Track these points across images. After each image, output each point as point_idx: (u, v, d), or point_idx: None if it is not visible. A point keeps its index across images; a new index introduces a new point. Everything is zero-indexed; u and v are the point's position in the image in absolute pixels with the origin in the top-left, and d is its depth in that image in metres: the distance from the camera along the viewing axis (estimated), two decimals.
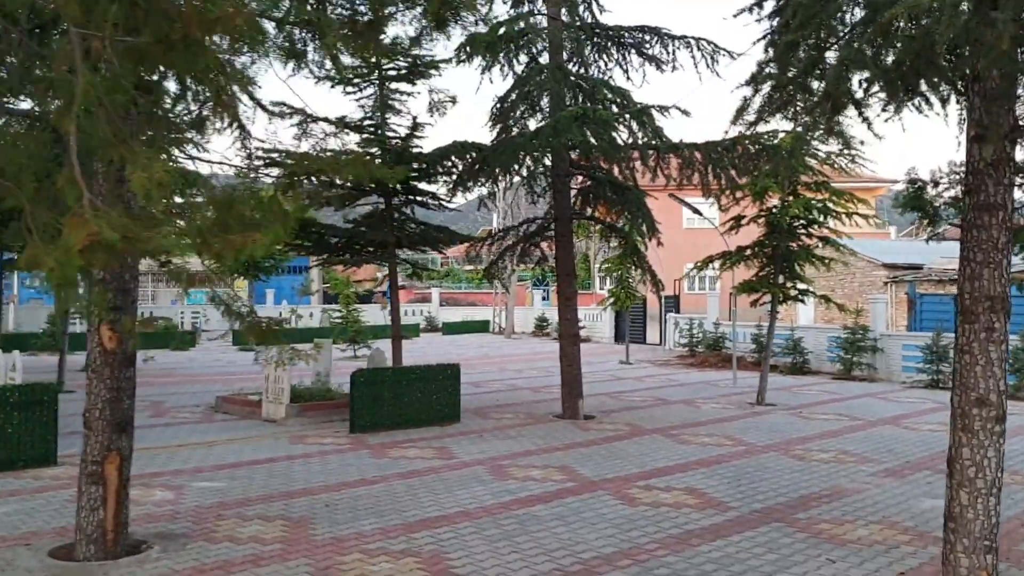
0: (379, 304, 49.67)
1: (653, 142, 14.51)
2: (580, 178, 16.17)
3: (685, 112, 13.61)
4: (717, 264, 17.60)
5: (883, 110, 9.10)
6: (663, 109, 13.39)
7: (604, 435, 13.14)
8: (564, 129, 12.43)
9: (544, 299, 53.69)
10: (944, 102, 8.79)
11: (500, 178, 13.58)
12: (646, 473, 10.34)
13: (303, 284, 51.23)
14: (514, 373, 23.60)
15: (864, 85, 8.78)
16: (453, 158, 14.07)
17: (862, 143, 16.56)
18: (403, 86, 15.14)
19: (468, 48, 14.80)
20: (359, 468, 10.53)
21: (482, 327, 47.06)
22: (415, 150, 14.64)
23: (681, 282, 34.19)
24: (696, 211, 21.04)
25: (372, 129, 14.88)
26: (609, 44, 15.56)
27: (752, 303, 17.69)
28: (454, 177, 14.88)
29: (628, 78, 16.05)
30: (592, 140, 12.73)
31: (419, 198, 15.47)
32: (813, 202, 16.52)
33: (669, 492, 9.36)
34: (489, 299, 50.13)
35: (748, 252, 17.20)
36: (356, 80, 14.79)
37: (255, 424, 14.16)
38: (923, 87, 8.74)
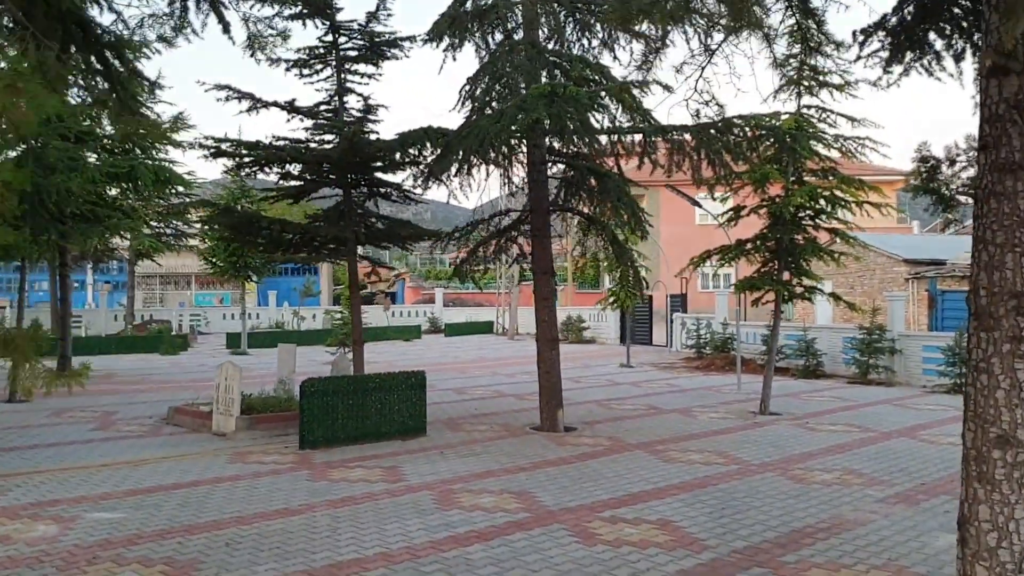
0: (382, 306, 48.50)
1: (639, 124, 13.16)
2: (564, 168, 14.76)
3: (667, 88, 12.15)
4: (715, 260, 16.13)
5: (885, 72, 7.69)
6: (641, 85, 11.96)
7: (580, 451, 11.73)
8: (531, 108, 11.04)
9: None
10: (958, 58, 7.35)
11: (465, 167, 12.18)
12: (615, 501, 8.93)
13: (304, 285, 50.06)
14: (505, 378, 22.21)
15: (861, 39, 7.37)
16: (416, 146, 12.69)
17: (875, 125, 15.30)
18: (365, 67, 13.79)
19: (437, 26, 13.50)
20: (288, 494, 9.19)
21: (486, 328, 45.74)
22: (372, 136, 13.28)
23: (688, 280, 32.67)
24: (695, 202, 19.56)
25: (329, 114, 13.52)
26: (592, 20, 14.17)
27: (754, 302, 16.20)
28: (422, 168, 13.55)
29: (615, 58, 14.72)
30: (566, 121, 11.30)
31: (382, 190, 14.10)
32: (819, 190, 15.01)
33: (637, 526, 7.94)
34: (495, 300, 48.75)
35: (749, 246, 15.73)
36: (311, 61, 13.45)
37: (202, 439, 12.88)
38: (932, 39, 7.33)
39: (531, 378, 21.92)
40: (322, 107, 13.56)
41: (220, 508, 8.60)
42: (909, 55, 7.53)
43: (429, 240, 14.47)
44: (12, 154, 17.04)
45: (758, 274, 15.78)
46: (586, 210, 14.04)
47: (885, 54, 7.52)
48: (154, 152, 22.70)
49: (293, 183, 13.71)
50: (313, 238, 13.74)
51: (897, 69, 7.62)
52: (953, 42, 7.43)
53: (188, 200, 23.68)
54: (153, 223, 32.66)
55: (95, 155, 20.69)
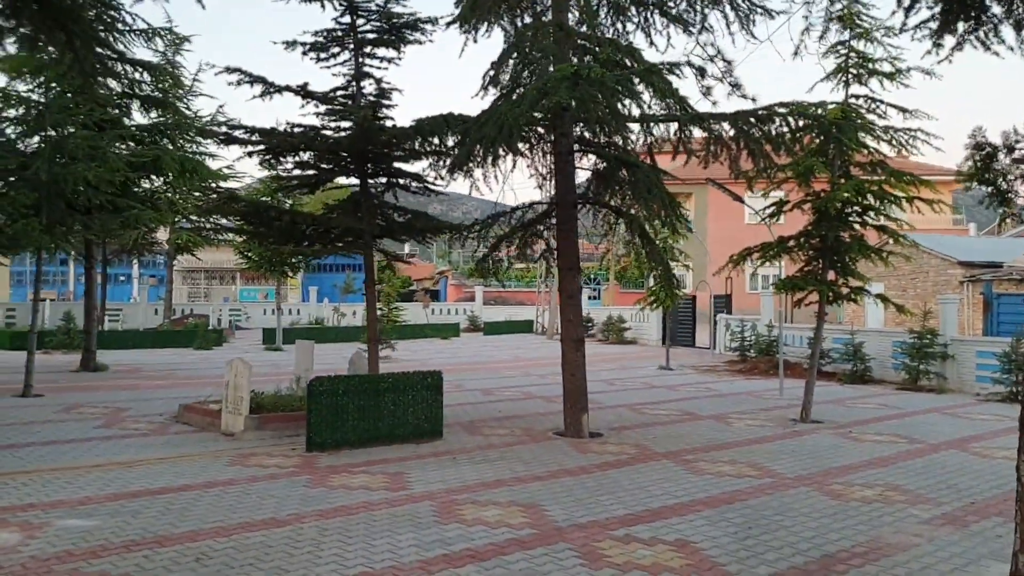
0: (421, 303, 47.99)
1: (673, 112, 12.36)
2: (596, 160, 13.97)
3: (700, 71, 11.36)
4: (756, 258, 15.21)
5: (935, 45, 6.81)
6: (673, 67, 11.14)
7: (602, 460, 10.94)
8: (552, 91, 10.27)
9: (593, 298, 51.43)
10: (1020, 26, 6.45)
11: (488, 157, 11.46)
12: (632, 517, 8.14)
13: (345, 281, 49.75)
14: (537, 379, 21.46)
15: (907, 3, 6.51)
16: (434, 134, 11.98)
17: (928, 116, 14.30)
18: (384, 51, 13.12)
19: (463, 7, 12.81)
20: (279, 502, 8.54)
21: (525, 327, 45.01)
22: (388, 122, 12.60)
23: (732, 280, 31.64)
24: (737, 198, 18.65)
25: (344, 100, 12.86)
26: (627, 2, 13.37)
27: (796, 303, 15.25)
28: (445, 158, 12.87)
29: (651, 43, 13.86)
30: (590, 106, 10.52)
31: (401, 181, 13.42)
32: (867, 185, 14.02)
33: (651, 547, 7.15)
34: (535, 298, 47.97)
35: (791, 243, 14.79)
36: (328, 45, 12.81)
37: (208, 439, 12.32)
38: (989, 4, 6.46)
39: None
40: (339, 93, 12.91)
41: (203, 517, 7.97)
42: (962, 25, 6.67)
43: (449, 234, 13.72)
44: (32, 141, 16.72)
45: (801, 273, 14.84)
46: (616, 203, 13.20)
47: (934, 24, 6.66)
48: (182, 142, 22.36)
49: (310, 172, 13.05)
50: (327, 230, 13.08)
51: (948, 42, 6.75)
52: (1015, 7, 6.55)
53: (215, 194, 23.24)
54: (192, 217, 32.42)
55: (120, 144, 20.35)
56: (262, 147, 12.44)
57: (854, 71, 14.26)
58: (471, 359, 28.41)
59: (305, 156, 12.83)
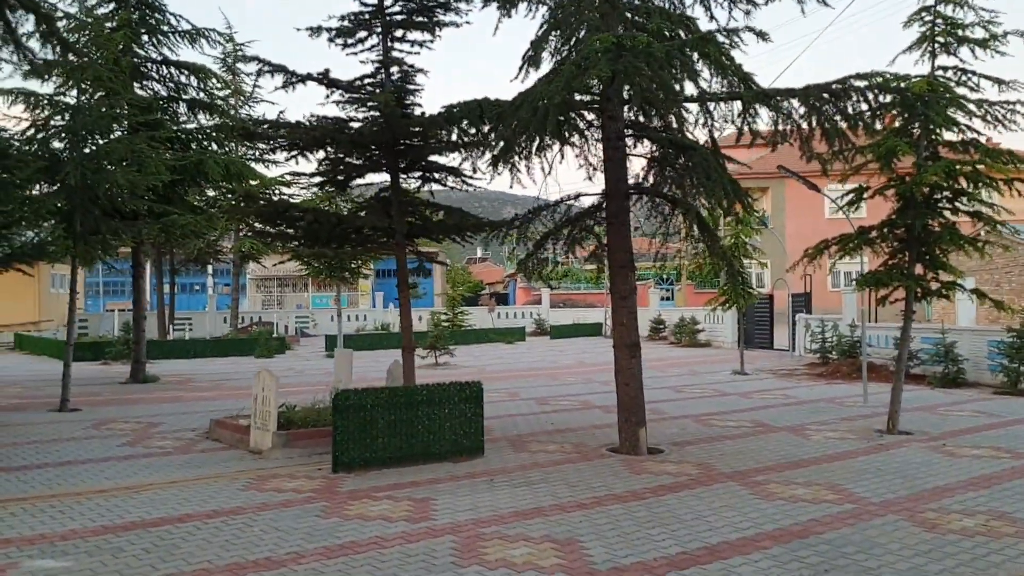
0: (487, 307, 47.00)
1: (735, 90, 11.04)
2: (652, 147, 12.69)
3: (761, 35, 10.02)
4: (834, 251, 13.74)
5: None
6: (731, 34, 9.84)
7: (658, 482, 9.67)
8: (592, 64, 9.07)
9: (666, 299, 49.86)
10: None
11: (529, 145, 10.33)
12: (686, 556, 6.89)
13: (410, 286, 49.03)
14: (599, 386, 20.15)
15: None
16: (467, 122, 10.88)
17: None
18: (415, 34, 12.07)
19: None
20: (283, 537, 7.51)
21: (593, 330, 43.66)
22: (417, 110, 11.53)
23: (811, 277, 29.90)
24: (812, 186, 17.21)
25: (371, 88, 11.83)
26: None
27: (880, 300, 13.71)
28: (483, 149, 11.77)
29: (712, 17, 12.53)
30: (635, 79, 9.28)
31: (436, 175, 12.34)
32: (958, 166, 12.45)
33: None
34: (604, 300, 46.56)
35: (873, 234, 13.29)
36: (355, 29, 11.79)
37: (233, 457, 11.42)
38: None
39: None
40: (366, 80, 11.87)
41: (190, 555, 6.97)
42: None
43: (488, 232, 12.55)
44: (58, 144, 16.14)
45: (885, 267, 13.33)
46: (674, 193, 11.89)
47: None
48: (232, 147, 21.76)
49: (337, 168, 12.07)
50: (353, 229, 12.05)
51: None
52: None
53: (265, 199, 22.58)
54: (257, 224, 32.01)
55: (161, 148, 19.81)
56: (284, 142, 11.51)
57: (941, 40, 12.72)
58: (532, 365, 27.26)
59: (332, 151, 11.83)
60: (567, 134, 11.48)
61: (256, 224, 12.85)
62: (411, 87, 11.78)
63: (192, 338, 37.60)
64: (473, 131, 11.43)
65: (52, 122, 16.76)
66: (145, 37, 20.82)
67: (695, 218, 10.64)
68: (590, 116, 12.41)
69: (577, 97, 11.98)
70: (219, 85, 21.25)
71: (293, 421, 11.96)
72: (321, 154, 12.24)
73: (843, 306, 27.80)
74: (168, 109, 21.29)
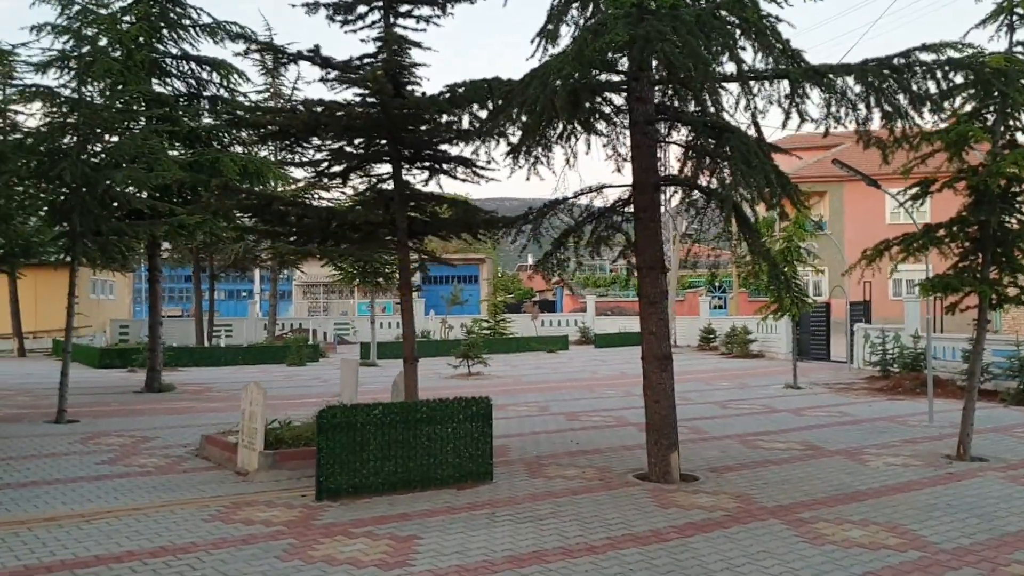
0: (530, 314, 45.67)
1: (780, 67, 9.66)
2: (689, 134, 11.27)
3: None
4: (896, 252, 12.18)
5: None
6: None
7: (687, 519, 8.26)
8: (610, 29, 7.73)
9: (719, 307, 48.07)
10: None
11: (534, 129, 9.02)
12: None
13: (451, 293, 47.94)
14: (638, 400, 18.38)
15: None
16: (474, 105, 9.60)
17: None
18: (422, 9, 10.80)
19: None
20: None
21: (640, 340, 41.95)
22: (417, 91, 10.25)
23: (870, 283, 28.08)
24: (872, 181, 15.63)
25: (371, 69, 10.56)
26: None
27: (948, 308, 12.10)
28: (496, 136, 10.49)
29: None
30: (656, 45, 7.91)
31: (444, 167, 11.05)
32: None
33: None
34: None
35: (941, 232, 11.71)
36: (353, 3, 10.56)
37: (215, 479, 10.28)
38: None
39: None
40: (366, 61, 10.62)
41: None
42: None
43: (503, 229, 11.23)
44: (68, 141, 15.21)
45: (955, 270, 11.74)
46: (709, 182, 10.44)
47: None
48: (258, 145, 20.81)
49: (324, 157, 10.85)
50: (349, 226, 10.79)
51: None
52: None
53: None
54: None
55: (182, 145, 18.92)
56: (274, 129, 10.33)
57: (1021, 10, 11.14)
58: (571, 375, 25.84)
59: (327, 139, 10.62)
60: (591, 119, 10.18)
61: (242, 221, 11.71)
62: (411, 65, 10.46)
63: (229, 345, 36.87)
64: (485, 115, 10.14)
65: (69, 119, 15.90)
66: (165, 32, 19.93)
67: (732, 211, 9.22)
68: (619, 101, 11.06)
69: (603, 78, 10.71)
70: (239, 81, 20.23)
71: (283, 439, 10.78)
72: (318, 142, 11.04)
73: (905, 315, 25.94)
74: (189, 106, 20.35)
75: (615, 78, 10.63)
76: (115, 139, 15.58)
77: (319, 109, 10.04)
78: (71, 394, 20.13)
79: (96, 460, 11.49)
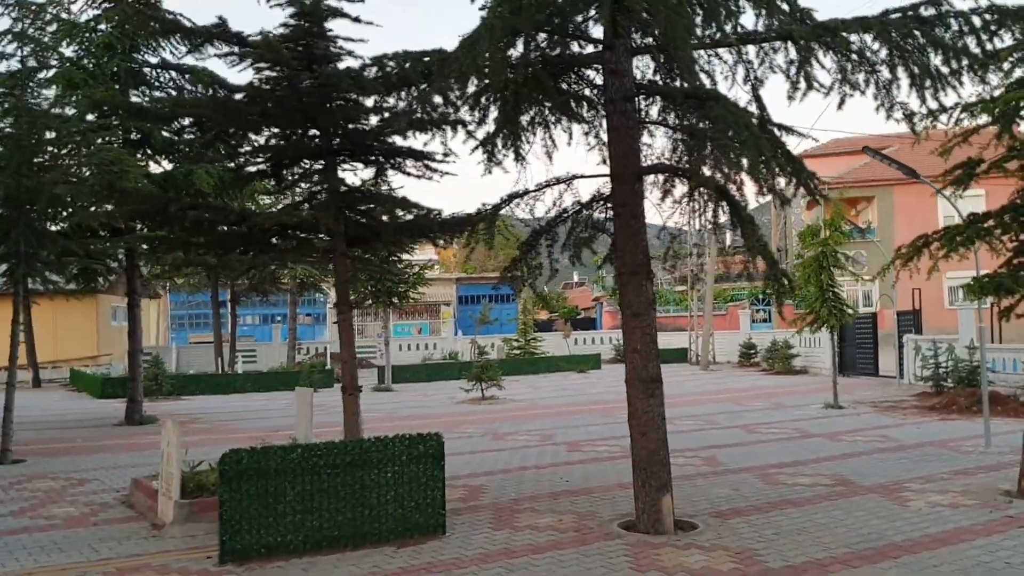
0: (561, 332, 43.82)
1: (784, 26, 8.01)
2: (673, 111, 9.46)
3: None
4: (937, 249, 10.24)
5: None
6: None
7: None
8: None
9: (764, 321, 45.83)
10: None
11: (473, 106, 7.38)
12: None
13: (480, 313, 46.27)
14: None
15: None
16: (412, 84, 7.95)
17: None
18: None
19: None
20: None
21: (678, 356, 39.89)
22: (341, 64, 8.58)
23: (922, 292, 25.89)
24: (908, 169, 13.70)
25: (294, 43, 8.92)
26: None
27: (1003, 312, 10.13)
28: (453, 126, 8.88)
29: None
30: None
31: (392, 161, 9.37)
32: None
33: None
34: (687, 323, 42.73)
35: (990, 223, 9.77)
36: None
37: (124, 533, 8.73)
38: None
39: (692, 425, 16.57)
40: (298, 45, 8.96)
41: None
42: None
43: (464, 233, 9.50)
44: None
45: (1008, 268, 9.79)
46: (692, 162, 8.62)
47: None
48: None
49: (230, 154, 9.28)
50: (269, 231, 9.13)
51: None
52: None
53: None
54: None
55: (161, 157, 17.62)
56: (188, 122, 8.83)
57: None
58: (592, 398, 23.93)
59: (252, 133, 9.03)
60: (569, 102, 8.52)
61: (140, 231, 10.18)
62: (334, 37, 8.73)
63: (248, 371, 35.59)
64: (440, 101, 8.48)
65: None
66: (140, 40, 18.66)
67: (717, 193, 7.42)
68: (599, 80, 9.35)
69: (576, 49, 9.06)
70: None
71: (206, 486, 9.17)
72: (254, 137, 9.47)
73: (960, 324, 23.69)
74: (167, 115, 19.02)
75: (589, 49, 8.99)
76: (64, 151, 14.20)
77: (237, 96, 8.47)
78: (47, 428, 18.96)
79: (6, 511, 9.99)
